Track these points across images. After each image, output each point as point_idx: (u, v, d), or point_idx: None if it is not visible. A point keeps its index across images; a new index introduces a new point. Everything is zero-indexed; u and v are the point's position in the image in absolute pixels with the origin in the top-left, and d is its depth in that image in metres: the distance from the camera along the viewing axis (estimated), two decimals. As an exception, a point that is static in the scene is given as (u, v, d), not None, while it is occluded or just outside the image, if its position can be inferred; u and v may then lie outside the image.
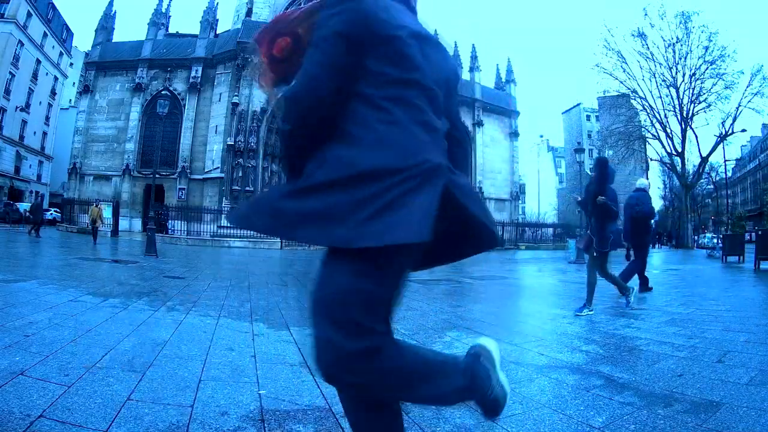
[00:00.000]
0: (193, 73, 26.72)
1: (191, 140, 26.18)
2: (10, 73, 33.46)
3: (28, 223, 18.53)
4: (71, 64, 45.20)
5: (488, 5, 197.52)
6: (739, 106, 28.18)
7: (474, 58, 33.62)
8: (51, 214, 29.93)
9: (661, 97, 30.48)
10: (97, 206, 17.29)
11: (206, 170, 25.54)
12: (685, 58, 29.14)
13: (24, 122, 36.46)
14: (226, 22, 29.80)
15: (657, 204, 63.23)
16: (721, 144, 29.74)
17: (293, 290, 5.82)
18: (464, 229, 1.07)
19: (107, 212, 22.51)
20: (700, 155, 31.21)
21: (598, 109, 52.98)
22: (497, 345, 1.07)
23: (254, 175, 23.75)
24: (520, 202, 39.36)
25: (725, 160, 32.98)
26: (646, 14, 30.22)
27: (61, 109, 42.77)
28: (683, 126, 29.98)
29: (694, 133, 30.79)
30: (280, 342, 3.14)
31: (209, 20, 28.12)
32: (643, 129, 32.05)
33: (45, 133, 40.34)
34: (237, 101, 24.14)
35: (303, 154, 1.00)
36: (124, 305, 4.09)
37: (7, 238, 14.55)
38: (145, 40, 28.09)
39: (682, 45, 29.08)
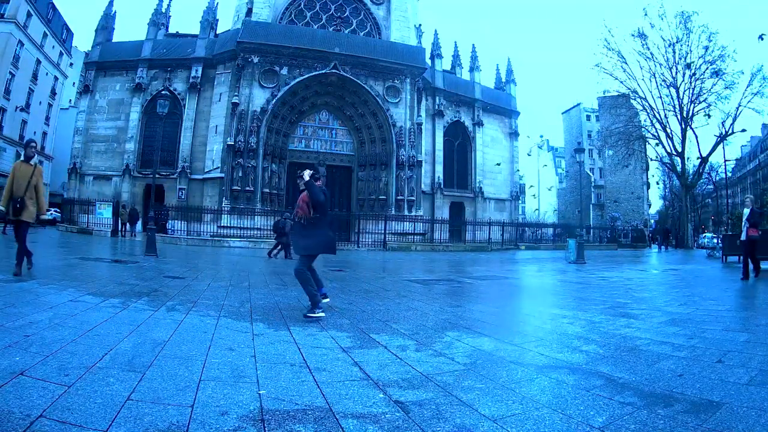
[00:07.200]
0: (193, 73, 26.66)
1: (191, 140, 26.14)
2: (10, 73, 33.41)
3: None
4: (71, 64, 45.15)
5: (488, 5, 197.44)
6: (739, 106, 28.19)
7: (474, 58, 33.54)
8: (51, 214, 30.02)
9: (661, 97, 30.48)
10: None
11: (206, 170, 25.50)
12: (685, 58, 29.13)
13: (24, 122, 36.41)
14: (226, 22, 29.77)
15: (657, 204, 63.47)
16: (721, 144, 29.73)
17: (293, 290, 5.77)
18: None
19: (107, 212, 22.33)
20: (700, 155, 31.21)
21: (598, 109, 52.97)
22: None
23: (254, 175, 23.72)
24: (520, 202, 39.32)
25: (725, 160, 32.95)
26: (646, 14, 30.24)
27: (61, 109, 42.71)
28: (683, 126, 29.96)
29: (694, 133, 30.79)
30: (280, 342, 3.14)
31: (209, 20, 28.07)
32: (643, 129, 32.02)
33: (45, 133, 40.27)
34: (237, 101, 24.07)
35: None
36: (124, 305, 4.10)
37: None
38: (145, 40, 28.03)
39: (682, 45, 29.08)
